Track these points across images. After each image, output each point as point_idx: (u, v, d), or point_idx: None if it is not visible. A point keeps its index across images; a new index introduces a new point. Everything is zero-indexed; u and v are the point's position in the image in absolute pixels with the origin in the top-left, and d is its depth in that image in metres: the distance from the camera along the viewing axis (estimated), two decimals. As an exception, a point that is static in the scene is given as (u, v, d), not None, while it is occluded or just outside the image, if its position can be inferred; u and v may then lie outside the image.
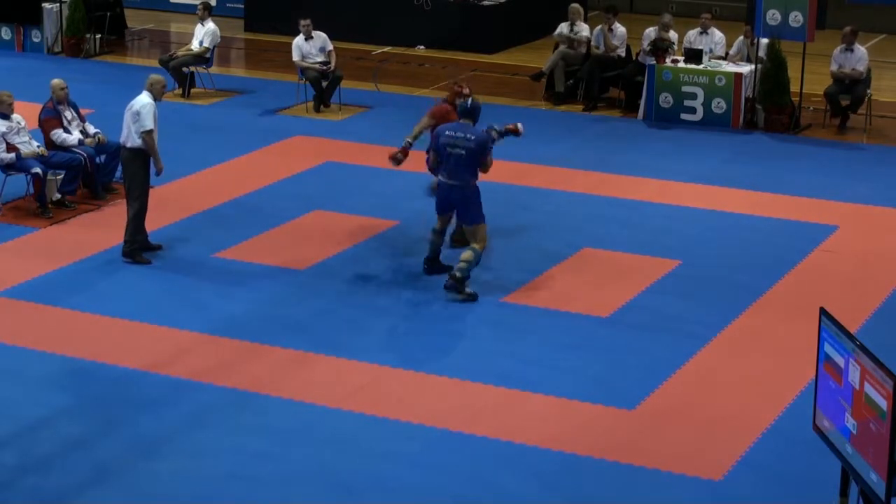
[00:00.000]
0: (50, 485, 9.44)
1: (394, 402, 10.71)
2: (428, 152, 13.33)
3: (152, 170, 13.58)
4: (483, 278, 13.21)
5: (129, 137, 13.41)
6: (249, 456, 9.86)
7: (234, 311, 12.45)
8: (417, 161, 16.71)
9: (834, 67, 18.60)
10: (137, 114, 13.31)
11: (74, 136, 15.15)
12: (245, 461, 9.78)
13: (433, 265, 13.26)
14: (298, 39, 19.33)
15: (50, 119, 15.18)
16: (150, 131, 13.32)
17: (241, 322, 12.21)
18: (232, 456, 9.85)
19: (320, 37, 19.39)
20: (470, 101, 12.90)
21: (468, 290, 12.71)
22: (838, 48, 18.64)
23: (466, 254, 12.72)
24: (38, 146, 15.04)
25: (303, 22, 19.33)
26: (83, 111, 15.85)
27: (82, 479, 9.51)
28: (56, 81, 15.40)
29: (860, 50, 18.66)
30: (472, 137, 12.55)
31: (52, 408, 10.55)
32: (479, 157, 12.55)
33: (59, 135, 15.09)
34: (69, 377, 11.13)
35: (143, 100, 13.44)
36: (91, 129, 15.41)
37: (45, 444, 9.98)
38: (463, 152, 12.53)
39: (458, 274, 12.63)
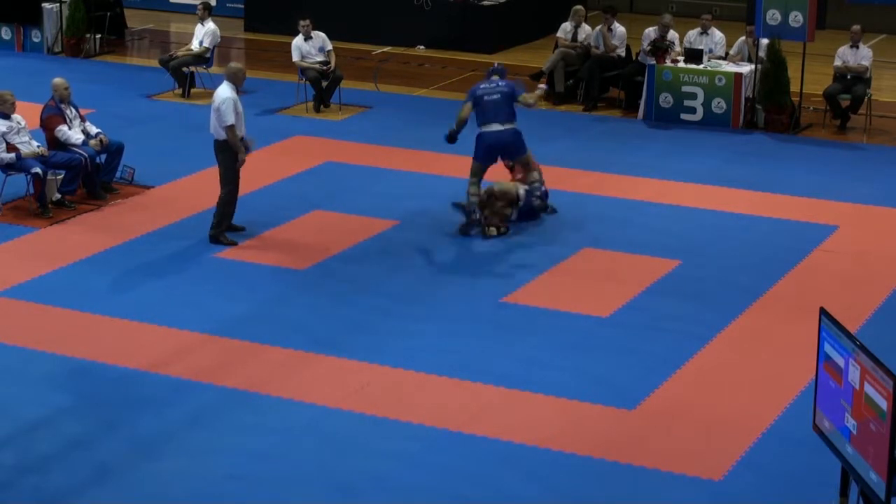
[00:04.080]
0: (50, 485, 9.44)
1: (394, 402, 10.70)
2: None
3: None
4: (483, 279, 13.23)
5: (216, 130, 13.95)
6: (249, 456, 9.85)
7: (234, 311, 12.44)
8: (418, 161, 16.75)
9: (838, 63, 18.60)
10: (218, 110, 13.80)
11: (78, 137, 15.15)
12: (245, 461, 9.78)
13: (470, 226, 14.48)
14: (298, 39, 19.33)
15: (53, 116, 15.17)
16: (232, 126, 13.78)
17: (241, 322, 12.20)
18: (232, 456, 9.85)
19: (320, 37, 19.39)
20: (497, 63, 14.79)
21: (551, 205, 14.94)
22: (844, 46, 18.65)
23: (533, 175, 14.64)
24: (39, 146, 15.03)
25: (302, 22, 19.33)
26: (83, 111, 15.84)
27: (82, 479, 9.51)
28: (59, 80, 15.37)
29: (865, 49, 18.67)
30: (503, 83, 14.61)
31: (52, 408, 10.54)
32: (513, 96, 14.50)
33: (63, 132, 15.09)
34: (69, 377, 11.12)
35: (223, 94, 13.86)
36: (93, 130, 15.40)
37: (45, 444, 9.98)
38: (498, 96, 14.43)
39: (538, 194, 14.63)
